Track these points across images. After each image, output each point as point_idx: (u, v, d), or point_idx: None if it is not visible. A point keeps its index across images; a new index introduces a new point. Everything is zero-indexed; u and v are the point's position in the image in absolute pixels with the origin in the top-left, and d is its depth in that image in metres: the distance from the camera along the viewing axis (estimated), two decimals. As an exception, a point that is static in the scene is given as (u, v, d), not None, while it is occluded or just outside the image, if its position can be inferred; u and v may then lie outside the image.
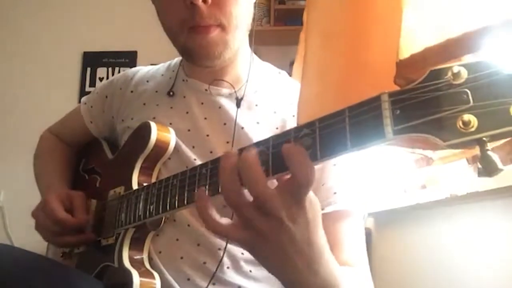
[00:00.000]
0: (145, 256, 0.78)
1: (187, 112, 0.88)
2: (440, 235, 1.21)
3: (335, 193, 0.79)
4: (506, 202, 0.98)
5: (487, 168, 0.39)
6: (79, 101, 1.07)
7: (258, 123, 0.85)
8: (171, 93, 0.91)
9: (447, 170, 1.27)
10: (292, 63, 1.02)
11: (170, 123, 0.87)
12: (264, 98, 0.89)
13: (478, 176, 0.40)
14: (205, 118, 0.86)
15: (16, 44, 2.89)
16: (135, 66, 2.74)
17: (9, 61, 2.87)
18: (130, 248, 0.77)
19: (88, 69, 2.85)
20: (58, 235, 0.85)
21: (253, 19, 0.87)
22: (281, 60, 1.91)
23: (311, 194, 0.51)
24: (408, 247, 1.37)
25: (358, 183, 0.83)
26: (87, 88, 2.79)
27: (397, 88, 0.52)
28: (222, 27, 0.80)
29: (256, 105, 0.87)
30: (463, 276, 1.10)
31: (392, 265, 0.80)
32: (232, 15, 0.80)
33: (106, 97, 1.00)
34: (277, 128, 0.84)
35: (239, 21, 0.81)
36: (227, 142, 0.82)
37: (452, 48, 0.46)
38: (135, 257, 0.77)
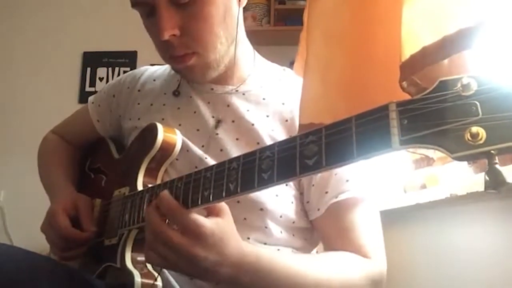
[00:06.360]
0: None
1: (194, 112, 0.88)
2: (440, 235, 1.22)
3: (347, 180, 0.80)
4: (506, 202, 0.99)
5: (495, 182, 0.39)
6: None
7: (267, 116, 0.85)
8: (176, 93, 0.92)
9: (447, 170, 1.27)
10: (292, 63, 1.01)
11: (179, 124, 0.87)
12: (270, 91, 0.89)
13: (485, 190, 0.39)
14: (213, 117, 0.86)
15: (16, 44, 2.89)
16: (135, 66, 2.77)
17: (9, 61, 2.87)
18: (133, 249, 0.77)
19: (88, 69, 2.84)
20: (65, 250, 0.85)
21: (247, 18, 0.86)
22: (281, 60, 1.89)
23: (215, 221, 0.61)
24: (407, 247, 1.37)
25: (370, 170, 0.83)
26: (87, 88, 2.77)
27: (400, 88, 0.52)
28: (198, 54, 0.80)
29: (264, 99, 0.87)
30: (463, 276, 1.10)
31: (391, 265, 0.80)
32: (206, 41, 0.79)
33: (114, 96, 1.01)
34: (286, 121, 0.84)
35: (217, 42, 0.80)
36: (237, 139, 0.83)
37: (448, 46, 0.45)
38: (138, 258, 0.77)
